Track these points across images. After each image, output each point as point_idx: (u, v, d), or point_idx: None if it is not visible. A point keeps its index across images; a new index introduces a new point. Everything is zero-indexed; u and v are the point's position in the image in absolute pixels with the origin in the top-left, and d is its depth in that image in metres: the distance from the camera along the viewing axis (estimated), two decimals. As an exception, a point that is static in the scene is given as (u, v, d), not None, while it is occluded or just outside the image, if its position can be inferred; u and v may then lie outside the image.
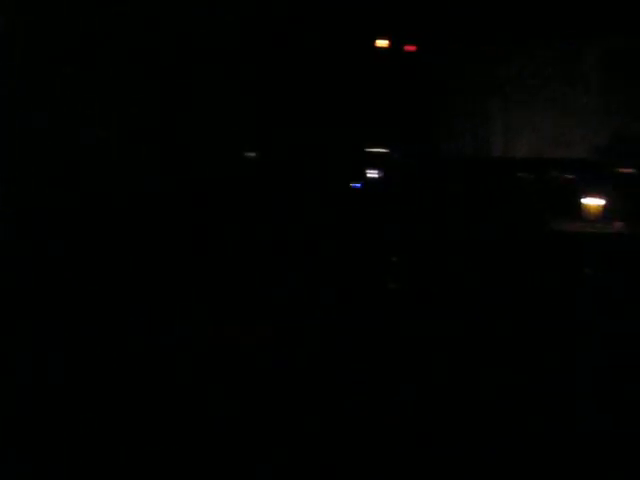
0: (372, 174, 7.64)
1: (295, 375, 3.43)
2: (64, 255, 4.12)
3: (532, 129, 7.27)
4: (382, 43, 6.74)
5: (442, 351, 3.72)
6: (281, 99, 6.32)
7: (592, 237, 6.04)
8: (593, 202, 6.68)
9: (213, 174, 5.80)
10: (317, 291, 4.50)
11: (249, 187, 6.11)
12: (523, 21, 6.45)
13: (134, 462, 2.73)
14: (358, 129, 7.18)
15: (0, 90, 3.96)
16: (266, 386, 3.35)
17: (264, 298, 4.42)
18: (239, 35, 5.84)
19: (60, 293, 3.97)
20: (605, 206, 6.64)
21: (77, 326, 3.83)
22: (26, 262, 3.91)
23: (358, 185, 7.47)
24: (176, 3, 5.32)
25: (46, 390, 3.22)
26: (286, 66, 6.19)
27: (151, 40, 5.14)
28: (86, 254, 4.28)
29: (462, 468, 2.62)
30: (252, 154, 6.47)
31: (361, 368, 3.57)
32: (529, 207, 7.03)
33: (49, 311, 3.83)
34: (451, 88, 7.47)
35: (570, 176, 7.06)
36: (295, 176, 6.58)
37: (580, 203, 6.80)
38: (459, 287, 4.69)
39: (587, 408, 3.10)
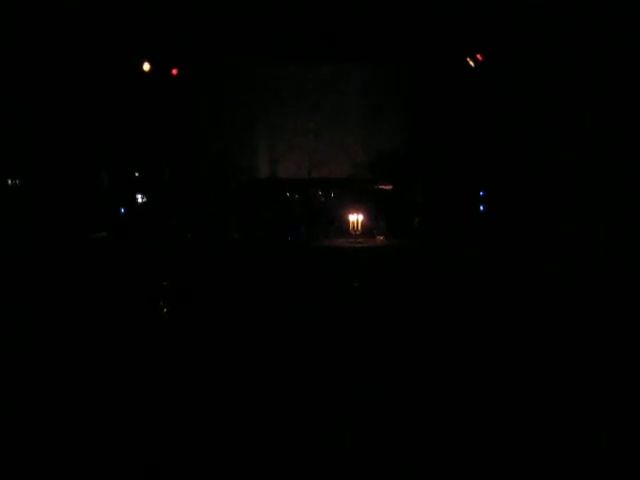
0: (140, 198, 7.45)
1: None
2: None
3: (297, 151, 7.58)
4: (146, 67, 6.57)
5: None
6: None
7: (355, 250, 6.48)
8: (354, 218, 7.18)
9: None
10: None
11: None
12: (286, 45, 6.63)
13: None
14: (121, 155, 6.93)
15: None
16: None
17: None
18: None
19: None
20: (366, 221, 7.17)
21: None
22: None
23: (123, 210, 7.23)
24: None
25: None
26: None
27: None
28: None
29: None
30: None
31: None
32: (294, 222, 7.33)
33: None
34: (217, 112, 7.51)
35: (332, 194, 7.49)
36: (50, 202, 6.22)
37: (343, 219, 7.27)
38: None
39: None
